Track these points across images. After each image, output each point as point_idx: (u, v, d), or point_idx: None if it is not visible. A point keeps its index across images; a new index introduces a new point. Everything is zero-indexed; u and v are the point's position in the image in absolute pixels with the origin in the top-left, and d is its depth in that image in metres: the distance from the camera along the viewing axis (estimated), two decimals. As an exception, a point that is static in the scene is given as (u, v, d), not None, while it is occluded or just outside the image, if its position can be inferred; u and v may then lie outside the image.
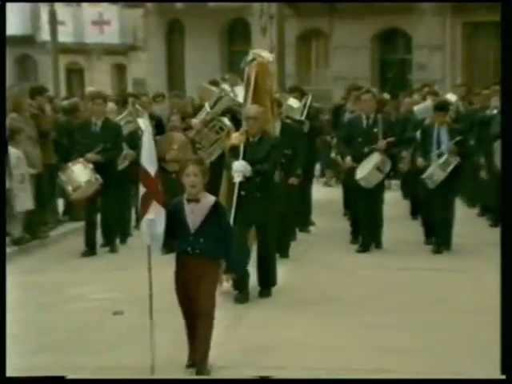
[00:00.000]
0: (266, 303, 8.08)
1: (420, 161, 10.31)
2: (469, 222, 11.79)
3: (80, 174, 10.13)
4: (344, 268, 9.63)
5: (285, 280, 8.89)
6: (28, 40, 31.27)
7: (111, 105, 11.36)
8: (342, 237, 11.10)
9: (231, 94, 10.58)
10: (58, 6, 27.14)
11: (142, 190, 6.00)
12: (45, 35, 29.14)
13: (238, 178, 8.02)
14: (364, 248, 10.41)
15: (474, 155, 12.01)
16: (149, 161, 5.94)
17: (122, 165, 10.99)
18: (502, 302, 5.12)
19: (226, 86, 10.91)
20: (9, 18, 33.06)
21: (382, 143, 10.14)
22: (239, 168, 8.02)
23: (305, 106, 11.18)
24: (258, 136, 8.21)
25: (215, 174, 8.06)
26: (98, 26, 30.34)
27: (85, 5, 31.02)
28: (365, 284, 8.92)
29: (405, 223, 12.33)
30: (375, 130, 10.22)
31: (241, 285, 8.13)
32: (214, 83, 11.89)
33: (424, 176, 10.13)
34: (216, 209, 6.13)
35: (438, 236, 10.39)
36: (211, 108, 10.81)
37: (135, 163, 10.87)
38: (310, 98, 11.38)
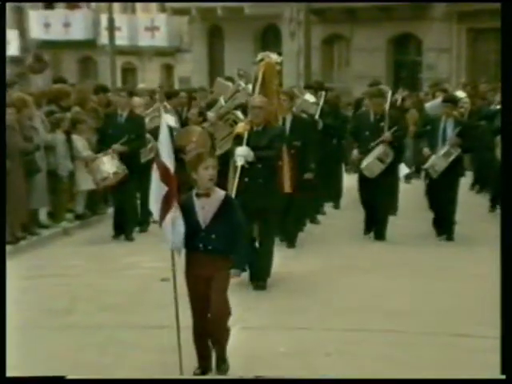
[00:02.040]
0: (292, 273, 8.03)
1: (426, 151, 9.75)
2: (471, 205, 11.58)
3: (109, 164, 9.65)
4: (356, 244, 9.50)
5: (305, 254, 8.89)
6: (90, 44, 31.48)
7: (139, 100, 10.85)
8: (355, 222, 10.64)
9: (246, 90, 9.82)
10: (116, 14, 27.24)
11: (161, 186, 5.04)
12: (104, 39, 29.27)
13: (240, 162, 7.46)
14: (379, 236, 9.79)
15: (491, 148, 11.27)
16: (168, 157, 5.04)
17: (148, 156, 10.33)
18: (501, 302, 4.82)
19: (241, 82, 10.26)
20: (73, 25, 33.39)
21: (388, 135, 9.60)
22: (242, 152, 7.45)
23: (318, 104, 10.52)
24: (262, 125, 7.54)
25: (222, 167, 6.96)
26: (150, 31, 30.44)
27: (138, 12, 31.15)
28: (374, 257, 8.84)
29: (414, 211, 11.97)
30: (382, 124, 9.69)
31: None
32: (229, 79, 11.29)
33: (426, 166, 9.66)
34: (227, 203, 5.23)
35: (442, 226, 9.80)
36: (226, 102, 10.25)
37: None
38: (323, 95, 10.73)
